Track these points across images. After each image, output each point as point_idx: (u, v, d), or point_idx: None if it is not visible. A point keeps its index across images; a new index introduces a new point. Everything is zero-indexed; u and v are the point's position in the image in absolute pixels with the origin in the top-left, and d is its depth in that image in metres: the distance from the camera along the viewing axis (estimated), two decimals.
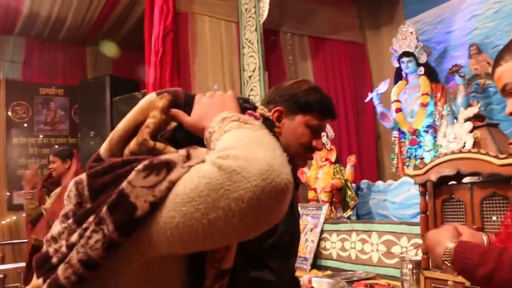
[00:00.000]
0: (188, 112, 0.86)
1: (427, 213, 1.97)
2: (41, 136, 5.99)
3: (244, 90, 4.18)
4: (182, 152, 0.70)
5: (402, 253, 2.40)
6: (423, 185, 1.99)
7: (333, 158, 3.53)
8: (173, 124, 0.85)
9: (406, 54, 3.91)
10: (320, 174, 3.55)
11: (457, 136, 1.93)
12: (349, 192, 3.43)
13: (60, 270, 0.68)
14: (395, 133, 4.03)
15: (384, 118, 4.05)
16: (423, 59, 3.87)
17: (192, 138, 0.82)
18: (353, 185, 3.60)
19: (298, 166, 1.48)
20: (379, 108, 4.07)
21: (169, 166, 0.66)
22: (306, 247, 3.06)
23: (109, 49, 5.95)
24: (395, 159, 4.01)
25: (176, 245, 0.65)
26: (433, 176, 1.91)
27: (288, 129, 1.39)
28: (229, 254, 0.77)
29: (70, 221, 0.72)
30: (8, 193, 5.64)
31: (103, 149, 0.84)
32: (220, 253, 0.76)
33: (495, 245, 1.12)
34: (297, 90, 1.43)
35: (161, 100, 0.84)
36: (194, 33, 4.13)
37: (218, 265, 0.76)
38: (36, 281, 0.74)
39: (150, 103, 0.84)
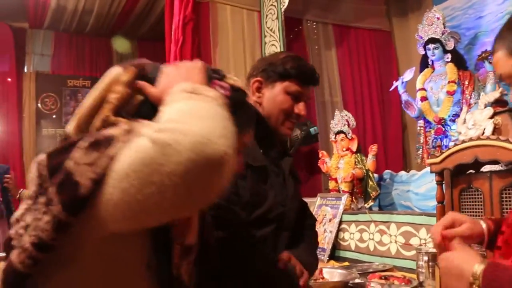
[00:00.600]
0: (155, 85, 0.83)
1: (444, 203, 1.89)
2: None
3: None
4: (125, 126, 0.68)
5: (421, 245, 2.32)
6: (440, 174, 1.91)
7: (354, 148, 3.45)
8: (140, 98, 0.82)
9: (432, 40, 3.76)
10: (341, 164, 3.48)
11: (476, 122, 1.84)
12: (370, 183, 3.35)
13: (14, 255, 0.67)
14: (421, 123, 3.90)
15: (408, 107, 3.93)
16: (450, 45, 3.72)
17: (157, 112, 0.79)
18: (376, 175, 3.52)
19: (283, 134, 1.45)
20: (404, 97, 3.95)
21: (109, 141, 0.65)
22: (325, 237, 3.01)
23: (121, 44, 6.03)
24: (421, 149, 3.89)
25: (120, 221, 0.63)
26: (450, 165, 1.83)
27: (268, 98, 1.40)
28: (190, 228, 0.76)
29: (30, 202, 0.71)
30: None
31: (71, 126, 0.81)
32: (180, 227, 0.74)
33: (497, 245, 1.03)
34: (275, 59, 1.44)
35: (126, 73, 0.82)
36: (215, 22, 4.10)
37: (181, 241, 0.75)
38: (1, 263, 0.74)
39: (114, 78, 0.81)
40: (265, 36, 4.21)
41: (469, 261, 0.87)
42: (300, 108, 1.40)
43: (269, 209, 1.32)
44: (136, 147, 0.62)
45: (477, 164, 1.78)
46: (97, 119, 0.78)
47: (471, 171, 1.86)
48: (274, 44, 4.12)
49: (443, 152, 1.86)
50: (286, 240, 1.41)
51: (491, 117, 1.84)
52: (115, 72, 0.82)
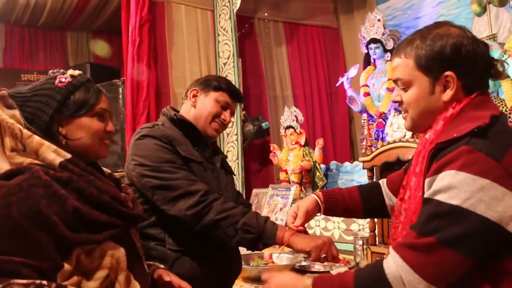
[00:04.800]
0: None
1: None
2: None
3: None
4: None
5: (359, 230, 2.64)
6: (371, 170, 2.21)
7: (302, 141, 3.75)
8: None
9: (373, 40, 4.09)
10: (290, 157, 3.77)
11: (400, 126, 2.15)
12: (317, 173, 3.66)
13: None
14: (364, 116, 4.24)
15: (352, 102, 4.27)
16: (389, 45, 4.07)
17: None
18: (323, 166, 3.83)
19: (210, 135, 1.74)
20: (349, 92, 4.28)
21: None
22: None
23: (100, 47, 6.11)
24: (365, 141, 4.24)
25: None
26: (378, 163, 2.14)
27: (202, 102, 1.73)
28: None
29: None
30: None
31: None
32: None
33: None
34: (211, 77, 1.80)
35: None
36: (170, 22, 4.25)
37: None
38: None
39: None
40: (218, 35, 4.40)
41: (298, 278, 1.13)
42: (226, 115, 1.72)
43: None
44: None
45: (400, 162, 2.10)
46: None
47: (396, 167, 2.17)
48: (227, 43, 4.32)
49: (373, 152, 2.17)
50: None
51: None
52: None
